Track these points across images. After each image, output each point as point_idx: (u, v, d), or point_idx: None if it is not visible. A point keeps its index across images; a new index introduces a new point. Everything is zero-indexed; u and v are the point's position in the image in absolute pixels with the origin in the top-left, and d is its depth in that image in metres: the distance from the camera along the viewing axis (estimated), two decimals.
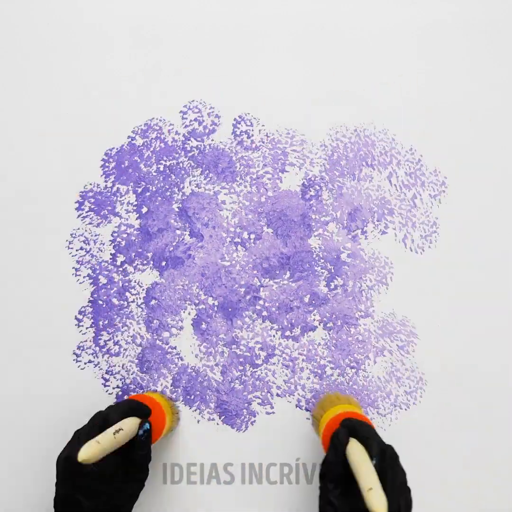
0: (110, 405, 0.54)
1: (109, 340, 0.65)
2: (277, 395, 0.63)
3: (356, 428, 0.49)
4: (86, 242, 0.65)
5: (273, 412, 0.63)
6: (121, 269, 0.65)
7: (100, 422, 0.50)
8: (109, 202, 0.66)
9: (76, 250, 0.65)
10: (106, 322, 0.65)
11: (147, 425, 0.52)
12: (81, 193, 0.66)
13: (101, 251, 0.65)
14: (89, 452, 0.45)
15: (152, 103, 0.66)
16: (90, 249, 0.65)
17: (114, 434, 0.48)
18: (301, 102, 0.65)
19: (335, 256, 0.64)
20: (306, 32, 0.65)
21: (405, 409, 0.63)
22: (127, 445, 0.50)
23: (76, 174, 0.66)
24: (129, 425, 0.50)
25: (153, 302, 0.65)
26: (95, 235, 0.65)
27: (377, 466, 0.44)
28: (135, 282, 0.65)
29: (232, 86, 0.65)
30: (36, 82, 0.66)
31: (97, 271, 0.65)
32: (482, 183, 0.64)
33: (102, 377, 0.64)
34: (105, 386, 0.64)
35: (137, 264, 0.65)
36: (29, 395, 0.64)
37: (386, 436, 0.63)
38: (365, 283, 0.64)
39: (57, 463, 0.49)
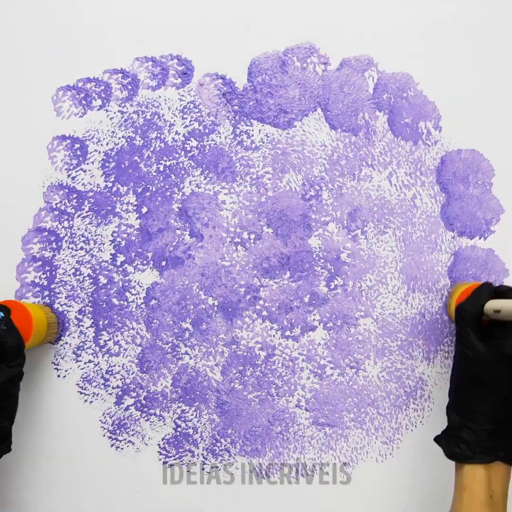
0: None
1: (109, 340, 0.65)
2: (277, 395, 0.63)
3: (498, 288, 0.50)
4: (86, 242, 0.65)
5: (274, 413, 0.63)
6: (121, 269, 0.65)
7: None
8: (109, 202, 0.66)
9: (76, 250, 0.65)
10: (106, 322, 0.65)
11: (0, 313, 0.51)
12: (81, 193, 0.66)
13: (101, 251, 0.65)
14: None
15: (152, 103, 0.66)
16: (90, 249, 0.65)
17: None
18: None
19: (335, 256, 0.64)
20: (306, 32, 0.65)
21: (405, 409, 0.63)
22: None
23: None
24: None
25: (153, 302, 0.65)
26: (95, 235, 0.65)
27: None
28: (135, 282, 0.65)
29: (231, 85, 0.65)
30: (35, 81, 0.66)
31: (97, 271, 0.65)
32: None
33: (102, 377, 0.64)
34: (105, 386, 0.64)
35: (137, 264, 0.65)
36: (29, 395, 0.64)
37: (386, 435, 0.63)
38: (365, 283, 0.64)
39: None
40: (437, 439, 0.51)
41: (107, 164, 0.66)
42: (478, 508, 0.46)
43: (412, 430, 0.63)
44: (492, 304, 0.48)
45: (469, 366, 0.48)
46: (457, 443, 0.48)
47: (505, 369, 0.46)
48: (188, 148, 0.66)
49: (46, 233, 0.65)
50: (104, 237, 0.65)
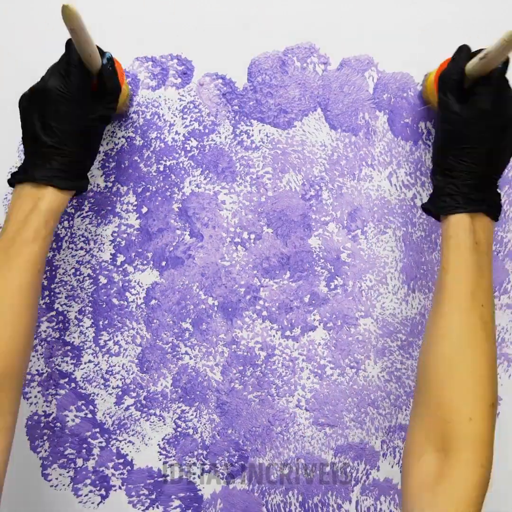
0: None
1: (109, 340, 0.65)
2: (277, 395, 0.63)
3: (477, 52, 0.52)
4: (86, 242, 0.65)
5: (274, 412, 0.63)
6: (121, 269, 0.65)
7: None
8: (109, 202, 0.66)
9: (76, 250, 0.65)
10: (106, 322, 0.65)
11: (109, 54, 0.53)
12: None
13: (101, 251, 0.65)
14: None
15: (152, 103, 0.66)
16: (90, 249, 0.65)
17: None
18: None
19: (335, 256, 0.64)
20: (306, 32, 0.65)
21: (405, 409, 0.63)
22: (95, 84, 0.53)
23: None
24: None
25: (153, 302, 0.65)
26: (95, 235, 0.65)
27: (497, 74, 0.49)
28: (135, 282, 0.65)
29: (231, 85, 0.65)
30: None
31: (97, 271, 0.65)
32: None
33: (102, 377, 0.64)
34: (105, 386, 0.64)
35: (137, 264, 0.65)
36: None
37: (386, 436, 0.63)
38: (365, 283, 0.64)
39: (20, 102, 0.54)
40: (423, 206, 0.54)
41: (107, 164, 0.66)
42: (464, 252, 0.48)
43: None
44: (474, 59, 0.49)
45: (450, 128, 0.51)
46: (443, 199, 0.51)
47: (483, 125, 0.49)
48: (188, 148, 0.66)
49: None
50: (104, 237, 0.65)
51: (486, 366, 0.46)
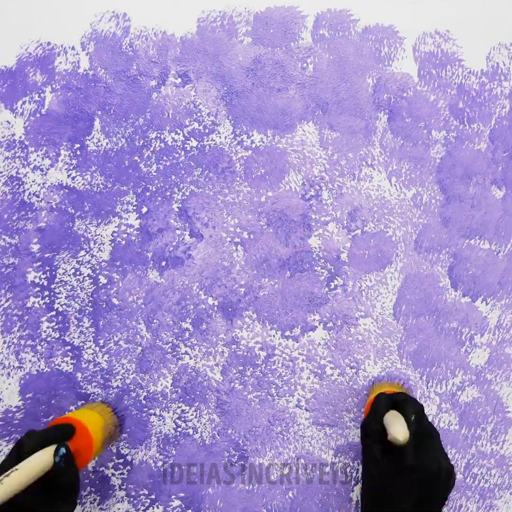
0: (30, 430, 0.48)
1: (109, 340, 0.65)
2: (277, 395, 0.63)
3: (395, 397, 0.50)
4: (86, 242, 0.65)
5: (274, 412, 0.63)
6: (120, 269, 0.65)
7: (15, 452, 0.45)
8: (109, 202, 0.66)
9: (76, 250, 0.65)
10: (106, 322, 0.65)
11: (62, 450, 0.46)
12: (81, 193, 0.66)
13: (101, 251, 0.65)
14: None
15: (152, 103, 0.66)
16: (90, 249, 0.65)
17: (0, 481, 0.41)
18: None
19: (335, 256, 0.64)
20: (306, 31, 0.65)
21: None
22: (50, 474, 0.45)
23: None
24: (34, 460, 0.44)
25: (153, 302, 0.65)
26: (95, 235, 0.65)
27: (413, 428, 0.46)
28: (134, 281, 0.65)
29: (232, 85, 0.65)
30: None
31: (97, 271, 0.65)
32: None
33: (102, 377, 0.64)
34: (105, 386, 0.64)
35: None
36: None
37: None
38: (365, 283, 0.64)
39: None
40: None
41: (107, 164, 0.66)
42: None
43: None
44: (386, 423, 0.47)
45: (374, 479, 0.47)
46: None
47: (406, 479, 0.45)
48: (188, 148, 0.66)
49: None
50: (104, 237, 0.65)
51: None
